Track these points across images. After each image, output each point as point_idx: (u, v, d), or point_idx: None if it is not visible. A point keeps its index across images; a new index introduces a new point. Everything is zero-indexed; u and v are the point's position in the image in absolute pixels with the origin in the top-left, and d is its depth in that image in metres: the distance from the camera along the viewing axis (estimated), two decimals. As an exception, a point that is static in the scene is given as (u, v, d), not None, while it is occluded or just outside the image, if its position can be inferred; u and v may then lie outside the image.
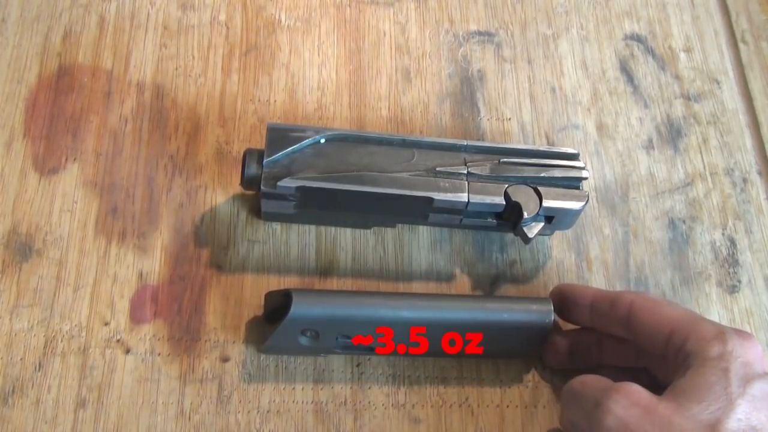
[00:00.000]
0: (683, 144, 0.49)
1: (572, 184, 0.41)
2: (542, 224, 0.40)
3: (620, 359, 0.39)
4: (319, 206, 0.39)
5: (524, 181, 0.40)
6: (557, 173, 0.41)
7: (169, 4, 0.47)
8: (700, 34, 0.53)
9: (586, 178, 0.41)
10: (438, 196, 0.39)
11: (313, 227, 0.43)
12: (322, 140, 0.39)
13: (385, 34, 0.49)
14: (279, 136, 0.38)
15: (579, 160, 0.41)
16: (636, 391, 0.32)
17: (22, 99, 0.43)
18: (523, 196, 0.39)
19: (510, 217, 0.40)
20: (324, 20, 0.49)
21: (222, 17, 0.47)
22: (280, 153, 0.38)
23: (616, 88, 0.50)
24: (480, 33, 0.50)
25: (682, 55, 0.52)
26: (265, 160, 0.37)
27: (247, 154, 0.38)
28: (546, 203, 0.39)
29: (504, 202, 0.39)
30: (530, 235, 0.39)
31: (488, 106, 0.48)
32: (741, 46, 0.52)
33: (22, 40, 0.45)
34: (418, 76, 0.48)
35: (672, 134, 0.49)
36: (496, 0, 0.51)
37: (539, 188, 0.40)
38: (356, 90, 0.47)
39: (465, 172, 0.40)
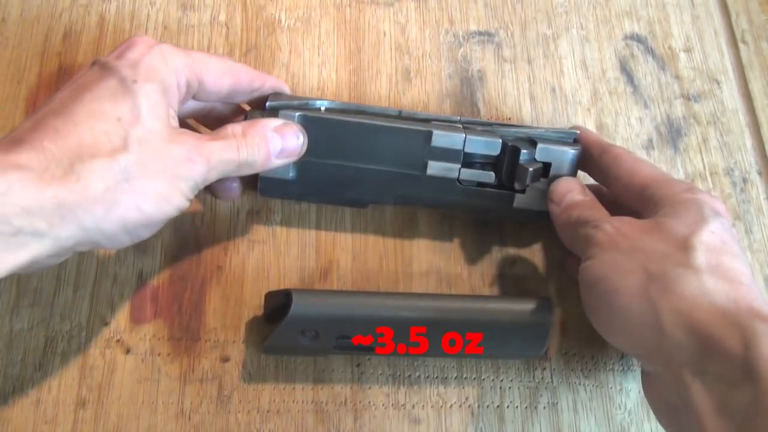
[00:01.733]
0: (683, 144, 0.49)
1: (565, 140, 0.42)
2: (540, 167, 0.40)
3: None
4: (319, 154, 0.39)
5: (518, 134, 0.41)
6: (551, 133, 0.42)
7: (169, 4, 0.47)
8: (700, 34, 0.53)
9: (577, 135, 0.42)
10: (437, 131, 0.39)
11: (313, 228, 0.43)
12: (322, 108, 0.39)
13: (385, 34, 0.49)
14: (280, 100, 0.39)
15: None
16: (626, 218, 0.36)
17: (22, 99, 0.43)
18: (519, 142, 0.40)
19: (508, 166, 0.40)
20: (324, 20, 0.49)
21: (222, 17, 0.47)
22: (282, 102, 0.38)
23: (616, 88, 0.50)
24: (480, 33, 0.50)
25: (682, 55, 0.52)
26: (267, 104, 0.38)
27: (249, 113, 0.39)
28: (541, 146, 0.40)
29: (500, 141, 0.40)
30: (528, 180, 0.40)
31: (488, 106, 0.48)
32: (741, 46, 0.52)
33: (22, 40, 0.45)
34: (418, 76, 0.48)
35: (672, 134, 0.49)
36: (496, 0, 0.51)
37: (534, 138, 0.41)
38: (356, 90, 0.47)
39: (459, 119, 0.41)
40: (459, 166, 0.40)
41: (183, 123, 0.40)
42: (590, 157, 0.41)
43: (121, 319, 0.39)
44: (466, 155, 0.40)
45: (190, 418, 0.38)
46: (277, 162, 0.36)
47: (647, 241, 0.34)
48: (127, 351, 0.39)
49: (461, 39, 0.50)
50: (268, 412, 0.38)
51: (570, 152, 0.41)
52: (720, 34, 0.53)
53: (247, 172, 0.35)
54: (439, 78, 0.48)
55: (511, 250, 0.44)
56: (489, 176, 0.41)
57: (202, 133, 0.34)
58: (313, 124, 0.38)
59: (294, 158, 0.37)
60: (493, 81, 0.49)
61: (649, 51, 0.51)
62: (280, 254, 0.42)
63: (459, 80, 0.48)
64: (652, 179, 0.38)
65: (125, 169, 0.30)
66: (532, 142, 0.40)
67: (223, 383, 0.38)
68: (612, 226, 0.35)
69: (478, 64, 0.49)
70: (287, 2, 0.49)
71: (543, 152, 0.40)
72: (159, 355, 0.39)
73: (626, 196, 0.39)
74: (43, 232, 0.28)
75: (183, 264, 0.41)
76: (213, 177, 0.34)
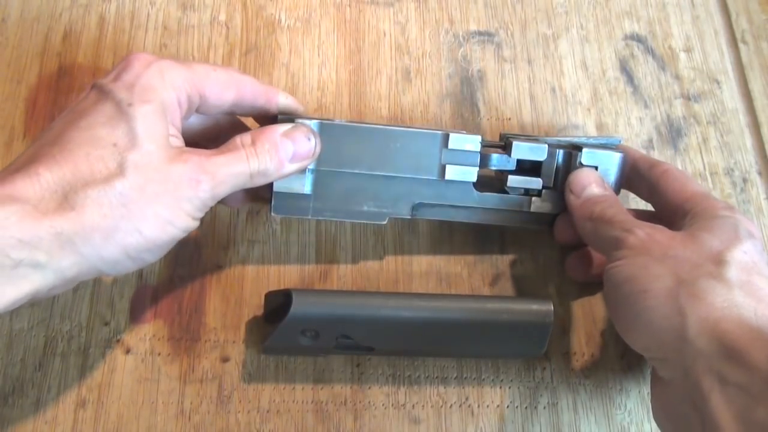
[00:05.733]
0: (683, 144, 0.49)
1: (607, 144, 0.42)
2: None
3: None
4: (334, 163, 0.38)
5: (561, 142, 0.42)
6: (593, 140, 0.42)
7: (169, 4, 0.47)
8: (700, 34, 0.53)
9: (620, 140, 0.42)
10: (453, 133, 0.39)
11: (313, 227, 0.43)
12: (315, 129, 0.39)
13: (385, 34, 0.49)
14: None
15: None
16: (657, 226, 0.36)
17: (22, 99, 0.43)
18: (568, 147, 0.41)
19: (561, 171, 0.40)
20: (324, 20, 0.49)
21: (222, 17, 0.47)
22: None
23: (616, 88, 0.50)
24: (480, 33, 0.50)
25: (682, 55, 0.52)
26: (279, 118, 0.37)
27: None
28: (587, 150, 0.40)
29: (546, 147, 0.40)
30: None
31: (488, 106, 0.48)
32: (741, 46, 0.52)
33: (22, 40, 0.45)
34: (418, 76, 0.48)
35: (672, 134, 0.49)
36: (496, 0, 0.51)
37: (577, 144, 0.41)
38: (356, 90, 0.47)
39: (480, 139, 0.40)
40: (477, 168, 0.40)
41: (191, 143, 0.39)
42: (638, 171, 0.41)
43: (121, 319, 0.39)
44: (511, 167, 0.40)
45: (190, 418, 0.38)
46: (291, 167, 0.35)
47: (680, 251, 0.34)
48: (127, 351, 0.39)
49: (461, 39, 0.50)
50: (268, 412, 0.38)
51: (616, 156, 0.40)
52: (720, 34, 0.53)
53: (262, 181, 0.35)
54: (439, 78, 0.48)
55: (511, 250, 0.44)
56: (536, 182, 0.41)
57: (209, 150, 0.34)
58: (328, 130, 0.37)
59: (308, 161, 0.36)
60: (493, 81, 0.49)
61: (649, 51, 0.51)
62: (280, 254, 0.42)
63: (459, 80, 0.48)
64: (696, 194, 0.38)
65: (121, 194, 0.30)
66: (577, 147, 0.41)
67: (223, 383, 0.38)
68: (645, 232, 0.35)
69: (478, 64, 0.49)
70: (287, 2, 0.49)
71: (590, 156, 0.40)
72: (159, 355, 0.39)
73: (667, 209, 0.39)
74: (44, 264, 0.28)
75: (183, 264, 0.41)
76: (224, 192, 0.33)
